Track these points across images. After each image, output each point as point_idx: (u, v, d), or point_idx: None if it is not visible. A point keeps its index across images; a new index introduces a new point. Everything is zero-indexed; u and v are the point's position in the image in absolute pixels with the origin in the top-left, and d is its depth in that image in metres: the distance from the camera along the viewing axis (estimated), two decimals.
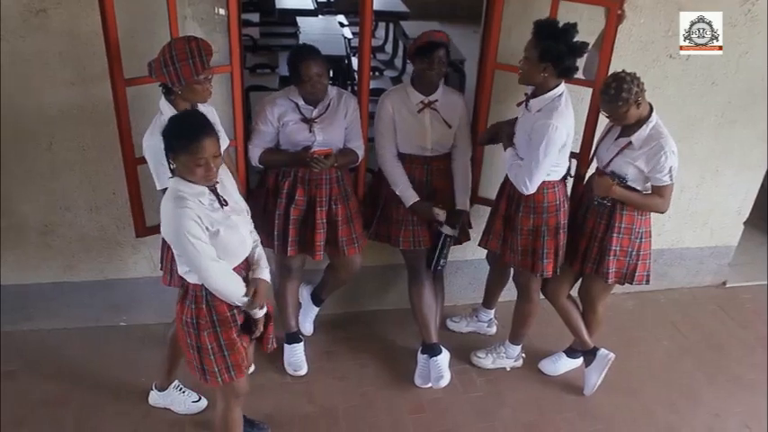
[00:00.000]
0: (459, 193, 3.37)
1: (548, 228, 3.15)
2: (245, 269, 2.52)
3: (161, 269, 2.99)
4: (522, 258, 3.23)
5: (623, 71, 2.86)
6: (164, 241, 2.91)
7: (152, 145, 2.60)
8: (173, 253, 2.79)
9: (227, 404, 2.70)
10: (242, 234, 2.45)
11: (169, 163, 2.30)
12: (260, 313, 2.52)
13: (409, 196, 3.31)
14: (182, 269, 2.42)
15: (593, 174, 3.15)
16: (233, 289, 2.41)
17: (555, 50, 2.82)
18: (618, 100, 2.82)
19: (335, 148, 3.21)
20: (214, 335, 2.46)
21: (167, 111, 2.64)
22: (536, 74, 2.89)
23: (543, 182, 3.05)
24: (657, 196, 3.00)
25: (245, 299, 2.44)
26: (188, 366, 2.59)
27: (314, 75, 3.03)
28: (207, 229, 2.29)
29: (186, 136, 2.24)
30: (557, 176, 3.11)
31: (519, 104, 3.07)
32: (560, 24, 2.86)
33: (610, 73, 2.90)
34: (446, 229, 3.35)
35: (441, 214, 3.32)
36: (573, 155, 3.33)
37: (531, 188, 3.02)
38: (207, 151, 2.25)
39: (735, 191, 4.17)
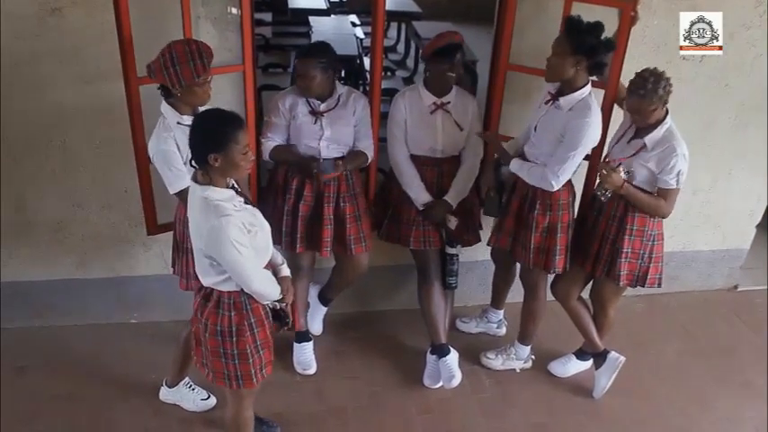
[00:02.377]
0: (453, 189, 3.34)
1: (562, 224, 3.16)
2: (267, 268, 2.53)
3: (174, 273, 3.00)
4: (535, 256, 3.22)
5: (655, 69, 2.85)
6: (176, 245, 2.93)
7: (165, 150, 2.61)
8: (187, 257, 2.79)
9: (242, 404, 2.70)
10: (268, 233, 2.44)
11: (205, 166, 2.24)
12: (289, 301, 2.58)
13: (423, 197, 3.31)
14: (212, 279, 2.39)
15: (601, 164, 3.06)
16: (271, 290, 2.45)
17: (589, 43, 2.83)
18: (653, 96, 2.81)
19: (345, 144, 3.24)
20: (252, 337, 2.48)
21: (171, 115, 2.64)
22: (568, 68, 2.89)
23: None
24: (662, 199, 2.99)
25: (280, 296, 2.50)
26: (215, 377, 2.56)
27: (302, 72, 3.06)
28: (248, 231, 2.28)
29: (231, 126, 2.24)
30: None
31: (547, 102, 3.05)
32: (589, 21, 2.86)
33: (643, 69, 2.87)
34: (449, 249, 3.40)
35: (453, 221, 3.33)
36: (585, 157, 3.32)
37: (559, 185, 3.04)
38: (246, 138, 2.29)
39: (747, 194, 4.14)
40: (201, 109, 2.73)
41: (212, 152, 2.20)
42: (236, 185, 2.37)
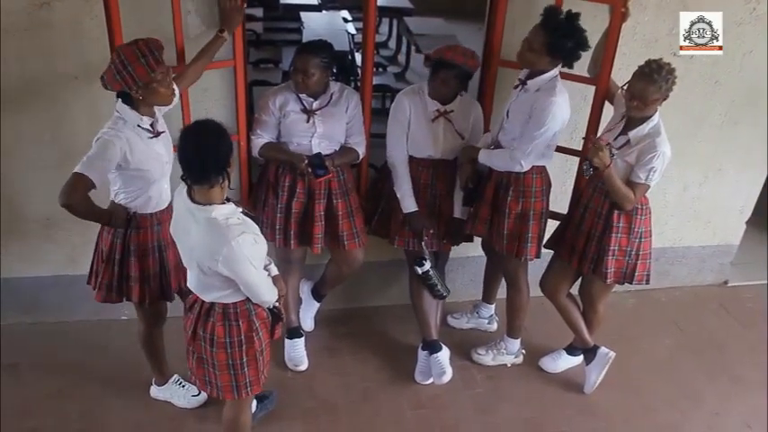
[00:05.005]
0: (459, 202, 3.35)
1: (534, 212, 3.17)
2: None
3: (95, 286, 2.88)
4: (508, 243, 3.24)
5: (669, 63, 2.85)
6: (107, 258, 2.79)
7: (111, 142, 2.49)
8: (114, 268, 2.76)
9: (242, 406, 2.71)
10: (264, 240, 2.42)
11: (218, 179, 2.20)
12: (281, 300, 2.58)
13: (409, 205, 3.30)
14: (218, 293, 2.38)
15: (594, 138, 2.99)
16: (274, 294, 2.48)
17: (565, 47, 2.85)
18: (662, 84, 2.81)
19: (337, 141, 3.23)
20: (258, 341, 2.49)
21: (131, 115, 2.55)
22: (544, 64, 2.92)
23: (533, 166, 3.08)
24: (632, 192, 2.97)
25: (277, 297, 2.51)
26: (222, 392, 2.56)
27: (301, 68, 3.04)
28: (257, 243, 2.29)
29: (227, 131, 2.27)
30: (545, 161, 3.15)
31: (516, 87, 3.07)
32: (566, 16, 2.85)
33: (655, 58, 2.87)
34: (417, 269, 3.34)
35: (427, 241, 3.32)
36: (574, 152, 3.33)
37: (527, 165, 3.05)
38: None
39: (737, 190, 4.16)
40: (165, 110, 2.71)
41: (231, 153, 2.23)
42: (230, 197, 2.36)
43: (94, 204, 2.58)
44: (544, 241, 3.30)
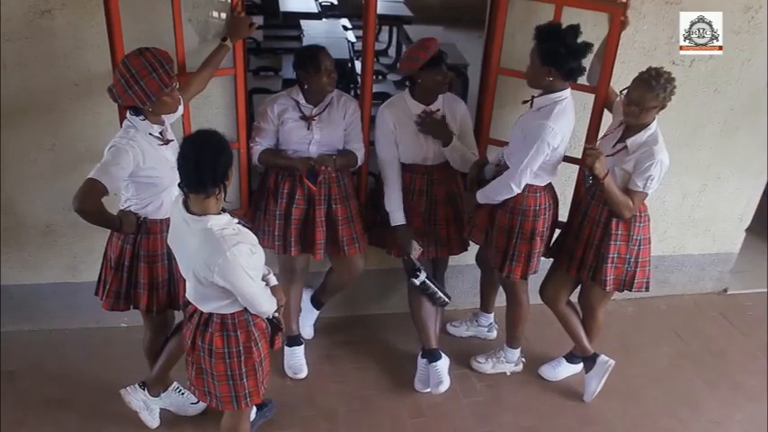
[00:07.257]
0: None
1: (521, 231, 3.15)
2: None
3: (102, 295, 2.89)
4: (495, 256, 3.24)
5: (669, 71, 2.85)
6: (115, 265, 2.79)
7: (124, 149, 2.51)
8: (122, 275, 2.77)
9: (241, 417, 2.70)
10: (262, 249, 2.42)
11: (217, 187, 2.22)
12: (281, 310, 2.57)
13: (397, 218, 3.30)
14: (216, 304, 2.38)
15: (590, 148, 2.98)
16: (272, 305, 2.47)
17: (555, 53, 2.83)
18: (660, 92, 2.80)
19: (334, 148, 3.24)
20: (257, 351, 2.48)
21: (142, 124, 2.59)
22: (541, 78, 2.91)
23: (529, 185, 3.06)
24: (630, 199, 2.97)
25: (276, 307, 2.51)
26: (222, 402, 2.55)
27: (327, 67, 3.07)
28: (253, 253, 2.29)
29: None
30: (541, 182, 3.11)
31: (525, 102, 3.06)
32: (562, 27, 2.86)
33: (656, 66, 2.86)
34: (413, 281, 3.35)
35: (416, 250, 3.32)
36: (574, 160, 3.34)
37: (518, 187, 3.02)
38: None
39: (737, 198, 4.17)
40: (172, 119, 2.74)
41: (230, 166, 2.23)
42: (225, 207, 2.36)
43: (106, 210, 2.59)
44: (535, 261, 3.23)
